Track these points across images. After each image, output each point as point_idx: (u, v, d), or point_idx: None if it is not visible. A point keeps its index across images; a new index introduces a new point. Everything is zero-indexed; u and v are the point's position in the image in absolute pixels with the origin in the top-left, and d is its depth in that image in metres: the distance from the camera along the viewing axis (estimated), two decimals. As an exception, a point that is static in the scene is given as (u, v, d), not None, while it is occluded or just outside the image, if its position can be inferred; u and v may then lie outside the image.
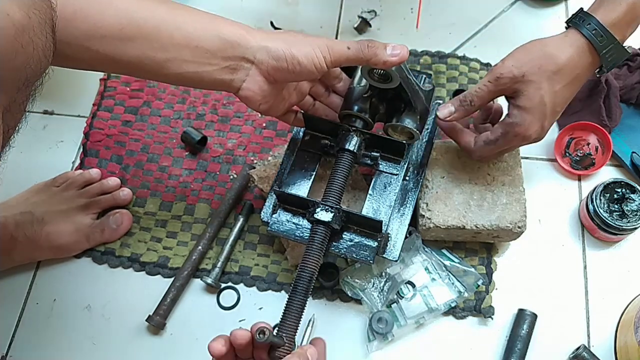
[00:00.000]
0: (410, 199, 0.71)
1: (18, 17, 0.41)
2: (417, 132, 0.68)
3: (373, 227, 0.65)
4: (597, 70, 0.64)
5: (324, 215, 0.63)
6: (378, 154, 0.69)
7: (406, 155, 0.70)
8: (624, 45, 0.61)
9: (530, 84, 0.61)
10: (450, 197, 0.72)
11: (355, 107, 0.68)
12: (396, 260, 0.68)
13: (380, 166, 0.70)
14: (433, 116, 0.74)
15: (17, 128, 0.48)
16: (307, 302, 0.61)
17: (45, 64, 0.45)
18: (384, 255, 0.67)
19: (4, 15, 0.40)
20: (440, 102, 0.77)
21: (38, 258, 0.79)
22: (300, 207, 0.67)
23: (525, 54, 0.62)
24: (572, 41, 0.61)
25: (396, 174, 0.70)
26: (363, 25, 0.92)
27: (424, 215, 0.72)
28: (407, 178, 0.72)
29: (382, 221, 0.63)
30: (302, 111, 0.70)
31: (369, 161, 0.70)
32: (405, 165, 0.71)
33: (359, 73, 0.69)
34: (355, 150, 0.67)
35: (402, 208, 0.70)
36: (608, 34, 0.60)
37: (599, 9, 0.61)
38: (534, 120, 0.62)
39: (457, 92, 0.83)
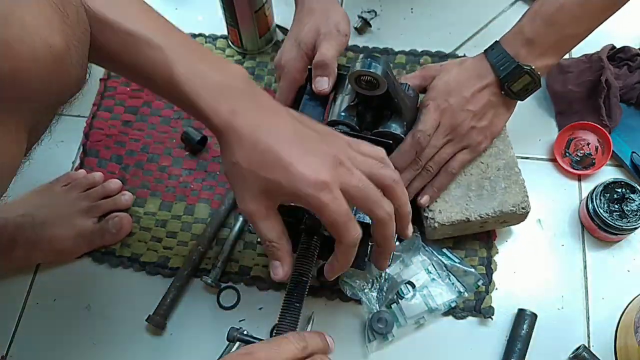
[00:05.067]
0: None
1: (59, 47, 0.42)
2: (404, 137, 0.68)
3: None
4: (504, 84, 0.71)
5: (313, 221, 0.62)
6: None
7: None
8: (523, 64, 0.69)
9: (442, 70, 0.74)
10: (449, 192, 0.72)
11: (342, 115, 0.67)
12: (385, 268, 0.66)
13: None
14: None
15: (39, 142, 0.51)
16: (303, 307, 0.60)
17: (76, 90, 0.47)
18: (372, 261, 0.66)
19: (46, 45, 0.41)
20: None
21: (37, 261, 0.79)
22: (288, 215, 0.64)
23: None
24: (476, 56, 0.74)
25: None
26: (363, 26, 0.92)
27: (427, 217, 0.72)
28: None
29: (370, 224, 0.61)
30: None
31: None
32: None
33: (346, 82, 0.69)
34: None
35: None
36: (499, 46, 0.71)
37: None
38: (438, 83, 0.71)
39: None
